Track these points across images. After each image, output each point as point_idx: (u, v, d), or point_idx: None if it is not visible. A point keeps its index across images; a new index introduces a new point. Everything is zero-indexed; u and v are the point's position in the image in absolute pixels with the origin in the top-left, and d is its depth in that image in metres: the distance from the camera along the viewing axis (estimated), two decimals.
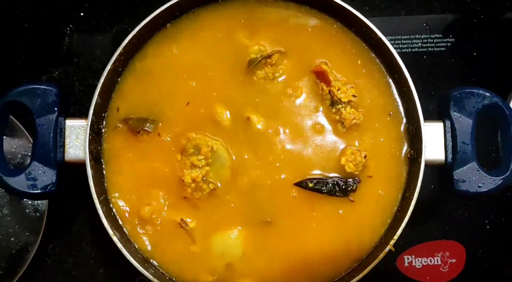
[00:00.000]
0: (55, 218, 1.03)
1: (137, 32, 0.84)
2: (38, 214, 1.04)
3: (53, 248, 1.05)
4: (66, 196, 1.05)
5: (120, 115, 0.87)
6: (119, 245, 0.79)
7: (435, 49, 1.09)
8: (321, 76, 0.87)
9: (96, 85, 0.83)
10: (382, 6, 1.13)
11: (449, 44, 1.10)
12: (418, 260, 1.02)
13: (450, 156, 0.83)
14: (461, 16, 1.11)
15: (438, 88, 1.07)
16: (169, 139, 0.86)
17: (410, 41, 1.09)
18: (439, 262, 1.02)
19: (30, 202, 1.05)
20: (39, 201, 1.04)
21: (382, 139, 0.87)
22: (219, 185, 0.85)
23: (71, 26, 1.13)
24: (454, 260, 1.02)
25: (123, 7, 1.14)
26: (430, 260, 1.02)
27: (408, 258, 1.02)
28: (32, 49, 1.14)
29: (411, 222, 0.82)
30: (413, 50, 1.09)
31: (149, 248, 0.85)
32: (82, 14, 1.14)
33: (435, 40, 1.10)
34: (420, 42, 1.10)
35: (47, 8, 1.14)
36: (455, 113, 0.84)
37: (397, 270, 1.02)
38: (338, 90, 0.85)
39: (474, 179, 0.82)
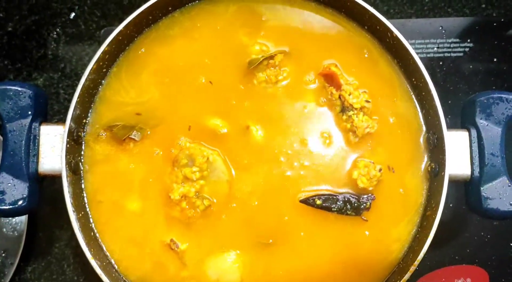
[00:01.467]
0: (34, 238, 0.97)
1: (124, 27, 0.75)
2: (16, 234, 0.96)
3: (32, 271, 0.97)
4: (44, 212, 0.97)
5: (103, 122, 0.77)
6: (98, 271, 0.69)
7: (452, 54, 1.01)
8: (330, 79, 0.78)
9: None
10: (392, 11, 1.05)
11: (467, 49, 1.01)
12: None
13: (477, 170, 0.74)
14: (479, 20, 1.02)
15: (456, 97, 0.98)
16: (159, 150, 0.76)
17: (424, 46, 1.01)
18: None
19: (7, 220, 0.97)
20: (17, 219, 0.96)
21: (399, 151, 0.77)
22: (215, 201, 0.75)
23: (57, 30, 1.06)
24: None
25: (114, 10, 1.06)
26: None
27: None
28: (16, 54, 1.06)
29: (429, 245, 0.72)
30: (428, 55, 1.01)
31: (133, 273, 0.74)
32: (70, 17, 1.06)
33: (451, 45, 1.01)
34: (436, 47, 1.01)
35: (33, 10, 1.06)
36: (481, 121, 0.74)
37: None
38: (349, 95, 0.76)
39: (505, 195, 0.72)
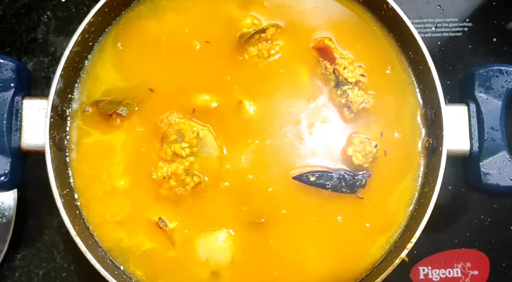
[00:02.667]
0: (23, 225, 0.94)
1: None
2: (5, 220, 0.94)
3: (21, 258, 0.95)
4: (33, 198, 0.95)
5: (89, 98, 0.74)
6: (83, 248, 0.66)
7: (451, 34, 0.98)
8: (324, 53, 0.75)
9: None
10: None
11: (465, 29, 0.98)
12: (435, 271, 0.90)
13: (476, 144, 0.71)
14: None
15: (455, 77, 0.95)
16: (146, 126, 0.74)
17: (422, 26, 0.99)
18: (459, 274, 0.91)
19: None
20: (5, 206, 0.94)
21: (395, 127, 0.74)
22: (205, 178, 0.72)
23: (48, 13, 1.04)
24: (476, 272, 0.91)
25: None
26: (449, 271, 0.91)
27: (423, 270, 0.90)
28: (5, 38, 1.04)
29: (427, 228, 0.70)
30: (426, 35, 0.98)
31: (120, 252, 0.71)
32: (61, 0, 1.04)
33: (450, 25, 0.99)
34: (434, 27, 0.98)
35: None
36: (481, 94, 0.72)
37: None
38: (344, 69, 0.73)
39: (505, 170, 0.70)
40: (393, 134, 0.75)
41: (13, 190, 0.94)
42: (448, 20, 0.99)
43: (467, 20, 0.99)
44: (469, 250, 0.92)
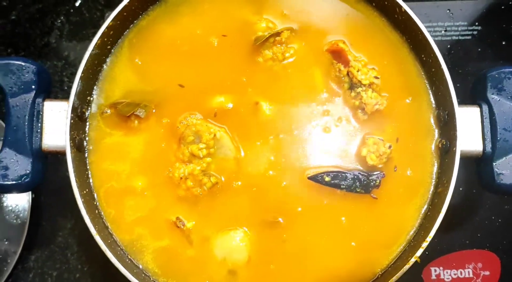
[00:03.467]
0: (37, 227, 0.95)
1: (129, 2, 0.73)
2: (19, 222, 0.95)
3: (35, 260, 0.96)
4: (47, 201, 0.96)
5: (108, 100, 0.76)
6: (103, 247, 0.67)
7: (460, 37, 1.00)
8: (338, 55, 0.76)
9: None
10: None
11: (475, 32, 1.00)
12: (446, 272, 0.91)
13: (489, 145, 0.72)
14: (487, 3, 1.01)
15: (465, 80, 0.97)
16: (164, 128, 0.75)
17: (432, 29, 1.00)
18: (471, 275, 0.91)
19: (10, 208, 0.96)
20: (20, 207, 0.95)
21: (409, 128, 0.75)
22: (222, 178, 0.73)
23: (61, 18, 1.05)
24: (487, 273, 0.91)
25: None
26: (461, 272, 0.91)
27: (435, 270, 0.91)
28: (19, 42, 1.05)
29: (439, 229, 0.71)
30: (436, 38, 1.00)
31: (138, 251, 0.72)
32: (74, 5, 1.05)
33: (459, 28, 1.00)
34: (444, 30, 1.00)
35: None
36: (493, 96, 0.73)
37: None
38: (358, 71, 0.75)
39: None
40: (406, 135, 0.75)
41: (28, 193, 0.95)
42: (457, 23, 1.00)
43: (476, 23, 1.00)
44: (480, 250, 0.92)
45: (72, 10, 1.06)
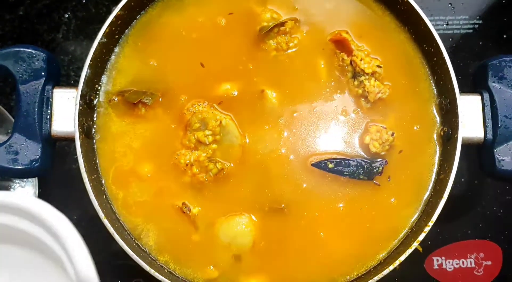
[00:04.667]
0: None
1: None
2: None
3: None
4: (52, 193, 0.97)
5: (115, 88, 0.77)
6: (111, 230, 0.69)
7: (462, 31, 1.01)
8: (341, 45, 0.78)
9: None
10: None
11: (476, 26, 1.01)
12: (449, 262, 0.91)
13: (490, 132, 0.73)
14: None
15: (465, 72, 0.97)
16: (170, 115, 0.76)
17: (434, 23, 1.01)
18: (473, 265, 0.91)
19: None
20: None
21: (410, 115, 0.77)
22: (227, 165, 0.74)
23: (68, 14, 1.07)
24: (489, 262, 0.91)
25: None
26: (463, 262, 0.92)
27: (437, 260, 0.92)
28: (27, 37, 1.07)
29: (440, 219, 0.72)
30: (438, 32, 0.99)
31: (144, 235, 0.74)
32: (81, 1, 1.07)
33: (461, 22, 1.01)
34: (445, 24, 1.01)
35: None
36: (494, 84, 0.74)
37: (426, 274, 0.91)
38: (360, 60, 0.76)
39: None
40: (408, 123, 0.77)
41: (35, 185, 0.96)
42: (459, 17, 1.02)
43: (478, 17, 1.01)
44: (482, 240, 0.93)
45: (78, 6, 1.07)
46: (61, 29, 1.07)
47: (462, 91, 0.81)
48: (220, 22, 0.80)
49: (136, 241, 0.73)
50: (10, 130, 0.99)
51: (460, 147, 0.71)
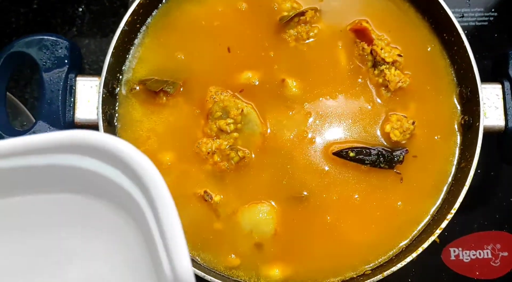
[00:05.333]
0: None
1: None
2: None
3: None
4: None
5: (136, 77, 0.77)
6: None
7: (477, 23, 1.01)
8: (361, 34, 0.78)
9: None
10: None
11: (491, 18, 1.01)
12: (465, 253, 0.91)
13: (511, 120, 0.73)
14: None
15: (481, 64, 0.97)
16: (192, 103, 0.77)
17: None
18: (489, 256, 0.91)
19: None
20: None
21: (431, 104, 0.77)
22: (248, 153, 0.74)
23: (82, 7, 1.07)
24: (506, 254, 0.91)
25: None
26: (479, 253, 0.91)
27: (454, 251, 0.92)
28: (41, 31, 1.06)
29: (457, 209, 0.72)
30: None
31: None
32: None
33: (476, 14, 1.01)
34: (460, 16, 1.01)
35: None
36: None
37: (443, 264, 0.91)
38: (381, 49, 0.76)
39: None
40: (428, 112, 0.77)
41: None
42: (474, 10, 1.02)
43: (493, 10, 1.02)
44: (499, 232, 0.93)
45: (92, 0, 1.08)
46: (75, 22, 1.08)
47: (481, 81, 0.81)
48: (240, 10, 0.80)
49: None
50: (26, 123, 0.99)
51: (481, 135, 0.72)
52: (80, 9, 1.08)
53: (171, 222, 0.45)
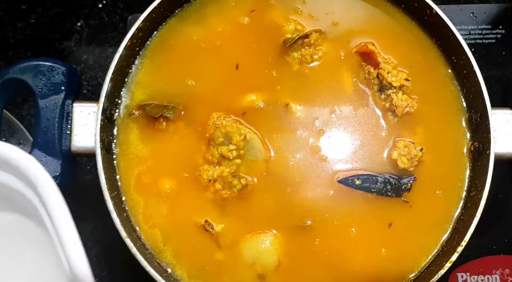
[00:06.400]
0: None
1: (158, 4, 0.73)
2: None
3: None
4: (68, 198, 0.95)
5: (136, 102, 0.75)
6: (133, 250, 0.67)
7: (484, 41, 0.99)
8: (367, 57, 0.76)
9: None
10: None
11: (499, 35, 0.99)
12: (473, 278, 0.89)
13: None
14: (511, 6, 1.00)
15: (489, 83, 0.94)
16: (193, 129, 0.74)
17: None
18: (498, 281, 0.89)
19: None
20: None
21: (440, 131, 0.75)
22: (252, 180, 0.72)
23: (81, 22, 1.05)
24: None
25: (137, 2, 1.06)
26: (488, 278, 0.89)
27: (462, 276, 0.89)
28: (39, 46, 1.05)
29: None
30: None
31: (166, 254, 0.71)
32: (93, 9, 1.05)
33: (483, 31, 0.99)
34: (467, 34, 0.99)
35: (56, 2, 1.05)
36: None
37: None
38: (388, 73, 0.74)
39: None
40: (437, 138, 0.75)
41: None
42: (481, 27, 1.00)
43: (500, 27, 1.00)
44: (508, 256, 0.90)
45: (91, 14, 1.06)
46: (73, 37, 1.06)
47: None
48: (242, 34, 0.78)
49: (157, 260, 0.71)
50: (22, 141, 0.97)
51: (493, 163, 0.69)
52: (79, 24, 1.06)
53: (60, 216, 0.44)
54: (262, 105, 0.74)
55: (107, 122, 0.72)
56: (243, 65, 0.76)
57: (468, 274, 0.90)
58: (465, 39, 0.98)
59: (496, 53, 0.99)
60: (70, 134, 0.70)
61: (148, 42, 0.78)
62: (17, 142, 0.97)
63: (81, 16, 1.05)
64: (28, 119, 0.99)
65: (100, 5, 1.06)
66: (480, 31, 0.99)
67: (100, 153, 0.69)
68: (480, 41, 0.99)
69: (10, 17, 1.04)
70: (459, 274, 0.90)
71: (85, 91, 1.03)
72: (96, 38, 1.06)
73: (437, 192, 0.74)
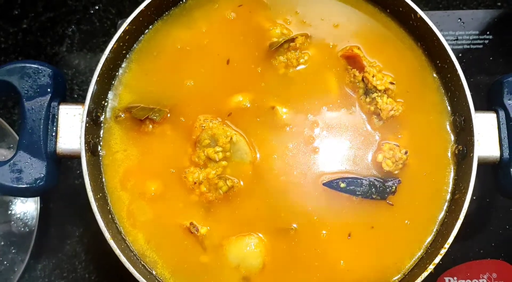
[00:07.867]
0: (45, 235, 0.94)
1: (145, 7, 0.73)
2: (27, 230, 0.94)
3: (42, 269, 0.95)
4: (56, 208, 0.96)
5: (122, 104, 0.75)
6: (117, 252, 0.67)
7: (472, 46, 1.00)
8: (352, 61, 0.76)
9: None
10: None
11: (486, 41, 1.00)
12: None
13: (506, 151, 0.72)
14: (498, 12, 1.01)
15: (476, 89, 0.96)
16: (178, 131, 0.75)
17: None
18: None
19: (18, 216, 0.95)
20: (28, 215, 0.95)
21: (423, 133, 0.75)
22: (237, 182, 0.72)
23: (72, 27, 1.06)
24: None
25: (129, 7, 1.06)
26: None
27: (449, 280, 0.90)
28: (30, 51, 1.06)
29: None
30: None
31: (151, 257, 0.71)
32: (85, 14, 1.06)
33: (471, 37, 1.00)
34: (455, 39, 1.00)
35: (48, 8, 1.06)
36: (510, 102, 0.73)
37: None
38: (373, 77, 0.74)
39: None
40: (421, 141, 0.75)
41: (37, 200, 0.94)
42: (468, 32, 1.01)
43: (488, 33, 1.00)
44: (495, 260, 0.91)
45: (82, 19, 1.07)
46: (65, 42, 1.06)
47: (475, 107, 0.79)
48: (229, 38, 0.78)
49: (142, 262, 0.71)
50: (12, 145, 0.98)
51: (476, 166, 0.70)
52: (70, 29, 1.07)
53: None
54: (248, 105, 0.75)
55: (93, 124, 0.73)
56: (230, 68, 0.77)
57: (455, 278, 0.90)
58: (452, 45, 0.99)
59: (483, 59, 1.00)
60: (55, 136, 0.71)
61: (135, 45, 0.78)
62: (7, 146, 0.97)
63: (73, 21, 1.06)
64: (19, 124, 1.00)
65: (92, 11, 1.07)
66: (467, 37, 1.00)
67: (84, 155, 0.69)
68: (468, 47, 1.00)
69: (2, 22, 1.05)
70: (446, 279, 0.90)
71: (75, 96, 1.04)
72: (88, 43, 1.06)
73: (422, 194, 0.74)
